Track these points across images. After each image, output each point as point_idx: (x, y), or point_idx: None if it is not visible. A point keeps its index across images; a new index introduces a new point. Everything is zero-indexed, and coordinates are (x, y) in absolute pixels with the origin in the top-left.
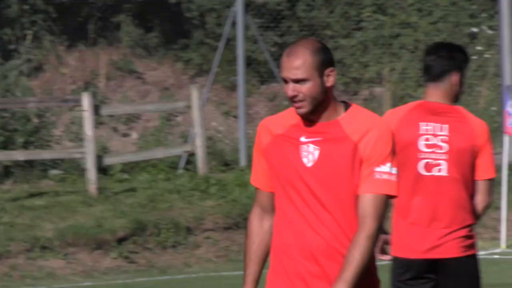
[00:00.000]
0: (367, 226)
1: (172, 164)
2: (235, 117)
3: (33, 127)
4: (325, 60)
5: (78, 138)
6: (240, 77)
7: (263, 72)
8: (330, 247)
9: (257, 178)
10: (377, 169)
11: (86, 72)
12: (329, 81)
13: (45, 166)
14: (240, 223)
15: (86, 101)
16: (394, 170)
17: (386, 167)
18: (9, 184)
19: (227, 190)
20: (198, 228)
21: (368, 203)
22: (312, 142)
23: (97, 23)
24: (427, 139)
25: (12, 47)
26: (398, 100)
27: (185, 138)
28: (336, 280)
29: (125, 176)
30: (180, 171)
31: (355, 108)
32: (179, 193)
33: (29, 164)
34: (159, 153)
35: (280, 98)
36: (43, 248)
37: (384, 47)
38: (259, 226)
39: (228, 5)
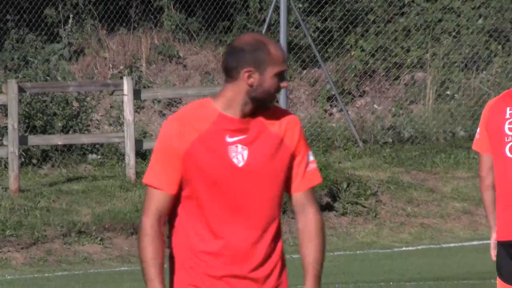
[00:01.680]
0: (316, 218)
1: None
2: (276, 101)
3: (72, 112)
4: None
5: (117, 123)
6: None
7: (305, 57)
8: (263, 246)
9: (163, 179)
10: (309, 161)
11: (127, 56)
12: None
13: (83, 151)
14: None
15: (126, 85)
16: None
17: (311, 157)
18: (47, 168)
19: None
20: None
21: (309, 196)
22: (239, 141)
23: (138, 7)
24: (510, 123)
25: (53, 30)
26: (440, 85)
27: None
28: (309, 278)
29: None
30: None
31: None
32: None
33: (68, 148)
34: None
35: (321, 83)
36: (80, 232)
37: (426, 32)
38: (159, 231)
39: None
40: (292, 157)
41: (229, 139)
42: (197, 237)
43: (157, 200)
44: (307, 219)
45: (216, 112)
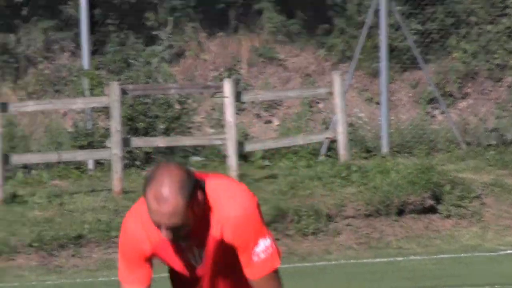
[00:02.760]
0: None
1: (313, 151)
2: (377, 103)
3: (174, 114)
4: (193, 190)
5: (219, 125)
6: (383, 64)
7: (406, 59)
8: None
9: (134, 278)
10: (254, 252)
11: (228, 58)
12: (200, 205)
13: (186, 153)
14: (381, 210)
15: (227, 87)
16: (268, 241)
17: (260, 246)
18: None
19: (369, 177)
20: (339, 215)
21: (262, 284)
22: (195, 246)
23: (238, 10)
24: None
25: (154, 33)
26: None
27: (327, 124)
28: None
29: (266, 162)
30: (321, 157)
31: (211, 194)
32: (320, 179)
33: (170, 150)
34: (300, 139)
35: (422, 85)
36: None
37: None
38: None
39: None
40: (236, 251)
41: (184, 245)
42: None
43: None
44: None
45: None
